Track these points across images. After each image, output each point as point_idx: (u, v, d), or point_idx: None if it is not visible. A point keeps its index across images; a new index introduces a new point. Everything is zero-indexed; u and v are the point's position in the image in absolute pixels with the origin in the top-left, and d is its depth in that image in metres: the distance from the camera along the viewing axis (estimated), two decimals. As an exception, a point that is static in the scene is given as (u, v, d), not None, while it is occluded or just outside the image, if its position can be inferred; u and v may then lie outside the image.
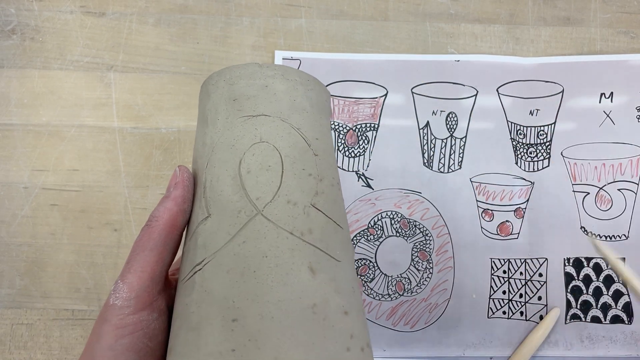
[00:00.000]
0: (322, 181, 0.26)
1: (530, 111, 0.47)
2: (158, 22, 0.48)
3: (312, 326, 0.22)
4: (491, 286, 0.44)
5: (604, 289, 0.44)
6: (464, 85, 0.47)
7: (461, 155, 0.46)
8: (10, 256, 0.44)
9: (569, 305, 0.44)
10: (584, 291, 0.44)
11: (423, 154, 0.46)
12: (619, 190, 0.45)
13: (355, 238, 0.45)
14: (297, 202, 0.24)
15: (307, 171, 0.25)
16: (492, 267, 0.44)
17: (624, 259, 0.44)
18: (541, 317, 0.44)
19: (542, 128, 0.46)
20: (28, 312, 0.43)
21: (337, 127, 0.46)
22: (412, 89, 0.47)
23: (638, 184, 0.45)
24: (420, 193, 0.45)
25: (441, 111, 0.47)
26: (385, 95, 0.47)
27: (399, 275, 0.44)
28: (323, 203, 0.25)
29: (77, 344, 0.42)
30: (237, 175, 0.25)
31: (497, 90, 0.47)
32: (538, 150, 0.46)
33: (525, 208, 0.45)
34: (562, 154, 0.46)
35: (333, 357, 0.22)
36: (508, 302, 0.44)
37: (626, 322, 0.44)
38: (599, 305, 0.44)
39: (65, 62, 0.47)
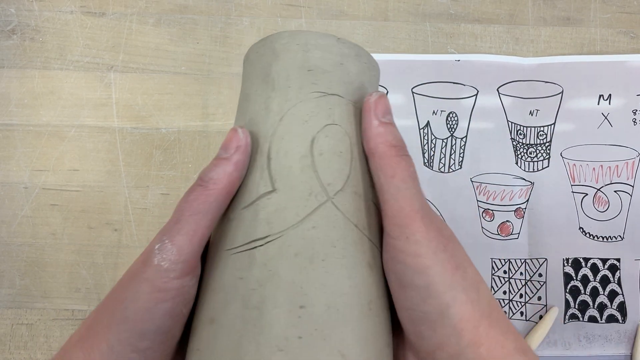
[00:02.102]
0: None
1: (530, 111, 0.47)
2: (158, 22, 0.48)
3: (368, 322, 0.22)
4: (492, 286, 0.44)
5: (600, 289, 0.44)
6: (464, 85, 0.47)
7: (461, 155, 0.46)
8: (10, 256, 0.44)
9: (567, 305, 0.44)
10: (582, 291, 0.44)
11: (423, 153, 0.46)
12: (615, 192, 0.46)
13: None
14: (361, 195, 0.24)
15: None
16: (492, 267, 0.44)
17: (619, 259, 0.45)
18: (540, 317, 0.44)
19: (541, 128, 0.46)
20: (28, 312, 0.43)
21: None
22: (413, 88, 0.47)
23: (633, 187, 0.46)
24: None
25: (441, 111, 0.47)
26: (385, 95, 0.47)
27: (399, 275, 0.44)
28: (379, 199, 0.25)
29: (77, 344, 0.42)
30: (309, 155, 0.23)
31: (498, 90, 0.47)
32: (538, 151, 0.46)
33: (525, 208, 0.45)
34: (561, 155, 0.46)
35: (379, 354, 0.22)
36: (508, 302, 0.44)
37: (620, 321, 0.44)
38: (595, 305, 0.44)
39: (66, 62, 0.47)
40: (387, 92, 0.47)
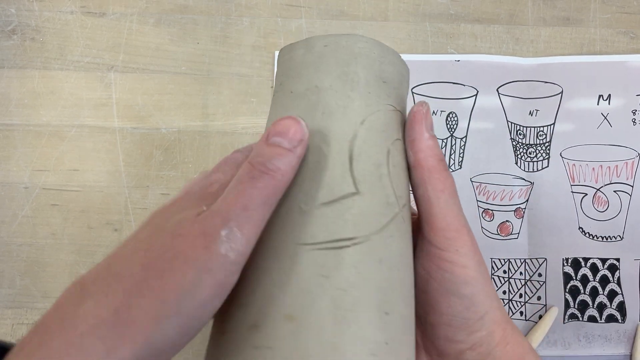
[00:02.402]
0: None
1: (530, 111, 0.47)
2: (158, 22, 0.48)
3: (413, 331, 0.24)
4: (491, 286, 0.44)
5: (599, 289, 0.44)
6: (464, 85, 0.47)
7: (461, 155, 0.46)
8: (10, 256, 0.44)
9: (567, 305, 0.44)
10: (581, 291, 0.44)
11: (423, 154, 0.46)
12: (615, 192, 0.46)
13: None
14: (410, 209, 0.25)
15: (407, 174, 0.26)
16: (492, 267, 0.44)
17: (618, 259, 0.45)
18: (540, 317, 0.44)
19: (541, 128, 0.47)
20: (28, 312, 0.43)
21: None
22: (413, 89, 0.47)
23: (632, 186, 0.46)
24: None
25: (441, 111, 0.47)
26: None
27: (399, 275, 0.44)
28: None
29: (77, 344, 0.42)
30: (386, 165, 0.24)
31: (497, 90, 0.47)
32: (538, 151, 0.46)
33: (525, 208, 0.45)
34: (561, 155, 0.46)
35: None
36: (508, 302, 0.44)
37: (620, 321, 0.44)
38: (595, 305, 0.44)
39: (66, 62, 0.47)
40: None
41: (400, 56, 0.27)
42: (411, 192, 0.26)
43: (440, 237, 0.23)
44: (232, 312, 0.22)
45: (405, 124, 0.26)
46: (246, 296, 0.21)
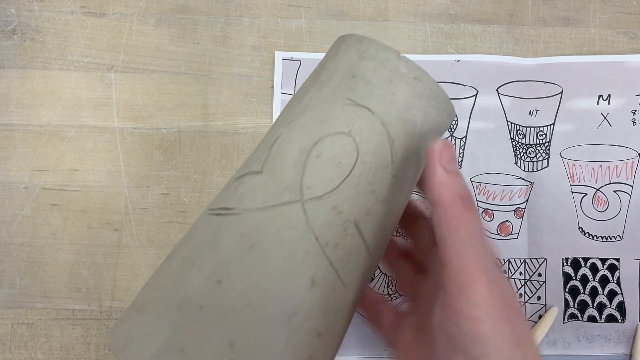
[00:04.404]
0: (383, 203, 0.24)
1: (530, 111, 0.47)
2: (158, 22, 0.48)
3: (278, 332, 0.21)
4: (491, 286, 0.44)
5: (599, 289, 0.45)
6: (464, 85, 0.47)
7: (461, 155, 0.46)
8: (10, 256, 0.44)
9: (567, 305, 0.44)
10: (581, 291, 0.44)
11: (423, 154, 0.46)
12: (614, 192, 0.46)
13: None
14: (341, 213, 0.23)
15: (372, 187, 0.23)
16: (491, 267, 0.44)
17: (618, 259, 0.45)
18: (540, 317, 0.44)
19: (541, 128, 0.47)
20: (28, 312, 0.43)
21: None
22: (412, 89, 0.47)
23: (632, 186, 0.46)
24: (421, 193, 0.46)
25: (441, 111, 0.47)
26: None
27: (399, 275, 0.44)
28: (368, 225, 0.24)
29: (77, 344, 0.42)
30: (306, 153, 0.23)
31: (497, 90, 0.47)
32: (537, 151, 0.46)
33: (524, 208, 0.45)
34: (561, 155, 0.46)
35: None
36: (507, 302, 0.44)
37: (620, 321, 0.44)
38: (594, 305, 0.44)
39: (66, 62, 0.47)
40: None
41: (397, 54, 0.25)
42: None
43: (451, 282, 0.20)
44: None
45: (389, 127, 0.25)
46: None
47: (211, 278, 0.21)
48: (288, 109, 0.26)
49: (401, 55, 0.25)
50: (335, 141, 0.23)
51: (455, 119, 0.47)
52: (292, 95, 0.46)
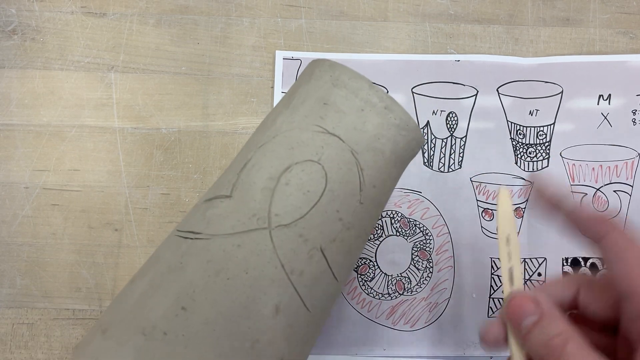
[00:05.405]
0: (349, 230, 0.24)
1: (530, 111, 0.47)
2: (158, 22, 0.49)
3: (240, 357, 0.21)
4: (491, 286, 0.44)
5: (602, 288, 0.44)
6: (464, 85, 0.47)
7: (461, 154, 0.46)
8: (11, 256, 0.44)
9: (567, 304, 0.44)
10: (583, 290, 0.44)
11: (423, 153, 0.46)
12: (614, 191, 0.46)
13: (355, 238, 0.45)
14: (308, 240, 0.23)
15: (339, 215, 0.24)
16: (492, 266, 0.44)
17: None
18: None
19: (541, 128, 0.47)
20: (29, 312, 0.43)
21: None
22: (413, 88, 0.47)
23: (632, 186, 0.46)
24: (421, 192, 0.46)
25: (441, 111, 0.47)
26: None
27: (399, 275, 0.44)
28: (334, 251, 0.24)
29: (78, 344, 0.43)
30: (276, 179, 0.23)
31: (497, 90, 0.47)
32: (537, 151, 0.46)
33: (524, 208, 0.45)
34: (561, 155, 0.46)
35: None
36: (508, 302, 0.44)
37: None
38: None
39: (66, 62, 0.47)
40: (387, 92, 0.47)
41: (369, 84, 0.25)
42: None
43: None
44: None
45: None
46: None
47: (176, 304, 0.21)
48: (260, 131, 0.26)
49: (372, 84, 0.25)
50: (304, 169, 0.23)
51: (456, 119, 0.47)
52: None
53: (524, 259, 0.45)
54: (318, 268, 0.23)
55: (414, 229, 0.45)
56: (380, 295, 0.44)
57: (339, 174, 0.24)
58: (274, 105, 0.47)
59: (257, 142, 0.25)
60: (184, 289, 0.22)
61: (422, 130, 0.47)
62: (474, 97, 0.47)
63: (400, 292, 0.44)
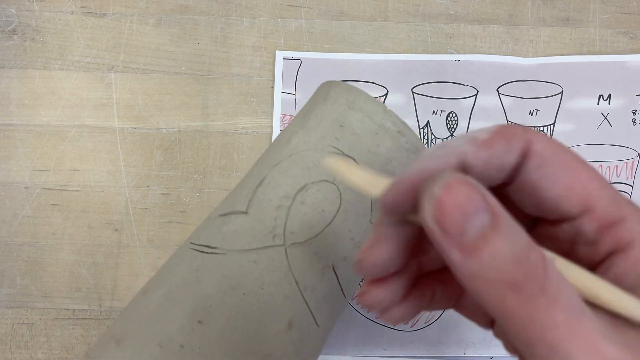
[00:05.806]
0: (359, 248, 0.24)
1: (530, 111, 0.47)
2: (158, 22, 0.49)
3: None
4: (491, 286, 0.44)
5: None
6: (464, 85, 0.47)
7: (461, 155, 0.46)
8: (11, 256, 0.44)
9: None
10: (583, 290, 0.44)
11: (423, 154, 0.46)
12: (616, 191, 0.46)
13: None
14: (321, 258, 0.24)
15: (351, 235, 0.24)
16: (491, 267, 0.44)
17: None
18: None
19: (541, 128, 0.47)
20: (29, 312, 0.43)
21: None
22: (413, 88, 0.47)
23: (632, 186, 0.46)
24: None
25: (441, 111, 0.47)
26: (386, 95, 0.47)
27: (399, 275, 0.44)
28: (344, 268, 0.24)
29: (77, 344, 0.42)
30: (292, 198, 0.24)
31: (497, 90, 0.47)
32: (537, 151, 0.46)
33: (524, 208, 0.45)
34: (561, 155, 0.46)
35: None
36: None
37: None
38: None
39: (66, 62, 0.47)
40: (387, 92, 0.47)
41: (384, 108, 0.26)
42: None
43: None
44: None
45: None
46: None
47: (193, 318, 0.22)
48: (274, 149, 0.26)
49: (386, 108, 0.26)
50: (320, 189, 0.24)
51: (456, 119, 0.47)
52: (291, 95, 0.46)
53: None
54: (329, 285, 0.24)
55: (414, 229, 0.45)
56: (380, 295, 0.44)
57: (352, 194, 0.24)
58: (274, 105, 0.47)
59: (273, 160, 0.26)
60: (200, 303, 0.22)
61: (422, 130, 0.47)
62: (474, 97, 0.47)
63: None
